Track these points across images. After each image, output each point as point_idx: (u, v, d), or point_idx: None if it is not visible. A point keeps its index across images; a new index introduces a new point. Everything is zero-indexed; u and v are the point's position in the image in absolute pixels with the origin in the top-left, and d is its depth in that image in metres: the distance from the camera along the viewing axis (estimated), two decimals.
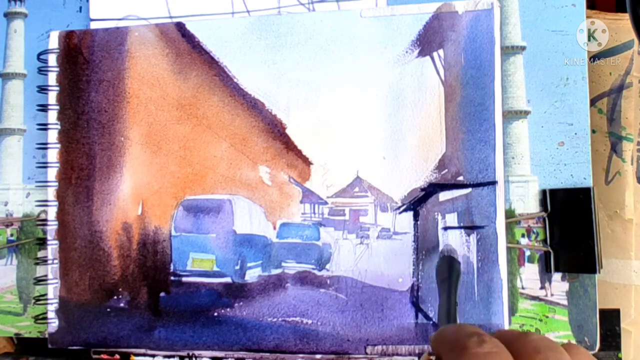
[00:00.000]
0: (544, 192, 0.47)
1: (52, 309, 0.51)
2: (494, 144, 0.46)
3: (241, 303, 0.49)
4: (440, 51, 0.48)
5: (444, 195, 0.47)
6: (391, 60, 0.48)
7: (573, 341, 0.46)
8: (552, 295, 0.47)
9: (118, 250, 0.51)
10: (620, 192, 0.49)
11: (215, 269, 0.50)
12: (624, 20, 0.49)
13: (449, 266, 0.28)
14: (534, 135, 0.48)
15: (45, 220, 0.52)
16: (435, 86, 0.48)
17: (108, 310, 0.50)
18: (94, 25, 0.53)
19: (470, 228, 0.46)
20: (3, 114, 0.55)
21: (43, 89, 0.52)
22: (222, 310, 0.49)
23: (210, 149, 0.50)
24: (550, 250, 0.47)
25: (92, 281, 0.51)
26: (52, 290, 0.51)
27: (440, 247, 0.26)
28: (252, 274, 0.49)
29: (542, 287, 0.47)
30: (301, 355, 0.48)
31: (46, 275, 0.51)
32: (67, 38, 0.52)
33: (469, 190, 0.46)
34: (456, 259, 0.29)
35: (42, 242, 0.52)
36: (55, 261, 0.51)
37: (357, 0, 0.50)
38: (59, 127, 0.52)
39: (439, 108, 0.47)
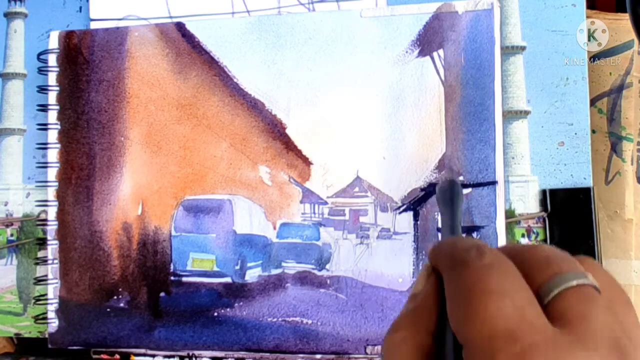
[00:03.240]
0: (544, 192, 0.47)
1: (52, 309, 0.51)
2: (494, 144, 0.46)
3: (241, 303, 0.49)
4: (440, 51, 0.48)
5: None
6: (391, 60, 0.48)
7: None
8: None
9: (118, 250, 0.51)
10: (620, 192, 0.49)
11: (215, 269, 0.50)
12: (624, 20, 0.49)
13: (451, 191, 0.26)
14: (534, 135, 0.48)
15: (45, 220, 0.52)
16: (435, 86, 0.48)
17: (108, 310, 0.50)
18: (94, 25, 0.53)
19: (470, 228, 0.46)
20: (3, 114, 0.55)
21: (43, 89, 0.52)
22: (222, 310, 0.49)
23: (210, 149, 0.50)
24: None
25: (92, 281, 0.51)
26: (52, 290, 0.51)
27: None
28: (252, 274, 0.49)
29: None
30: (301, 355, 0.48)
31: (46, 275, 0.51)
32: (67, 38, 0.52)
33: (469, 190, 0.46)
34: (457, 182, 0.27)
35: (42, 242, 0.52)
36: (55, 261, 0.51)
37: (357, 0, 0.50)
38: (59, 127, 0.52)
39: (439, 108, 0.47)
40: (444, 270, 0.22)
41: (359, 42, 0.49)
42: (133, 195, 0.51)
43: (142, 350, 0.50)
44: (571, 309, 0.19)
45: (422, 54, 0.48)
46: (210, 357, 0.49)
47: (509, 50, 0.48)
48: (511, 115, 0.48)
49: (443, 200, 0.27)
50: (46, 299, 0.51)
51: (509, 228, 0.47)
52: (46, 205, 0.52)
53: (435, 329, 0.22)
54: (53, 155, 0.52)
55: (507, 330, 0.18)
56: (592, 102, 0.49)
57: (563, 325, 0.18)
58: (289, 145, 0.50)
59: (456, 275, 0.20)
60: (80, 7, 0.54)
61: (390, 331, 0.23)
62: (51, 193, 0.52)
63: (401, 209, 0.48)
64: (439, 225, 0.47)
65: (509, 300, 0.18)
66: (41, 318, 0.52)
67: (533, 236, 0.47)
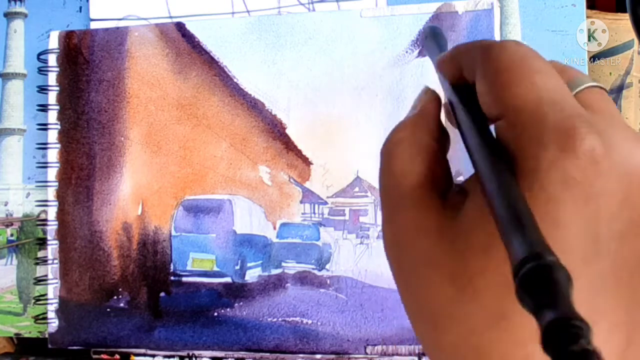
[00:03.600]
0: None
1: (52, 309, 0.51)
2: None
3: (241, 303, 0.49)
4: None
5: None
6: (391, 60, 0.48)
7: None
8: None
9: (118, 250, 0.51)
10: None
11: (215, 269, 0.50)
12: (624, 20, 0.49)
13: (440, 34, 0.28)
14: None
15: (45, 220, 0.52)
16: (436, 86, 0.48)
17: (108, 310, 0.50)
18: (94, 25, 0.53)
19: None
20: (3, 114, 0.55)
21: (43, 89, 0.52)
22: (222, 310, 0.49)
23: (210, 149, 0.50)
24: None
25: (92, 281, 0.51)
26: (52, 290, 0.51)
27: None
28: (252, 274, 0.49)
29: None
30: (301, 355, 0.48)
31: (46, 275, 0.51)
32: (67, 38, 0.52)
33: None
34: (442, 31, 0.28)
35: (42, 242, 0.52)
36: (55, 261, 0.51)
37: (357, 0, 0.50)
38: (59, 127, 0.52)
39: None
40: (476, 55, 0.22)
41: (359, 42, 0.49)
42: (133, 195, 0.51)
43: (142, 350, 0.50)
44: (595, 103, 0.20)
45: (422, 54, 0.48)
46: (210, 357, 0.49)
47: None
48: None
49: (435, 45, 0.28)
50: (46, 299, 0.51)
51: None
52: (46, 205, 0.52)
53: (438, 133, 0.24)
54: (53, 155, 0.52)
55: (553, 100, 0.19)
56: None
57: (592, 114, 0.20)
58: (289, 145, 0.50)
59: (495, 54, 0.21)
60: (80, 7, 0.54)
61: (388, 138, 0.24)
62: (51, 193, 0.52)
63: None
64: None
65: (552, 78, 0.20)
66: (41, 318, 0.52)
67: None
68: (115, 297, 0.50)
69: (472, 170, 0.23)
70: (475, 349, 0.20)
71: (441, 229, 0.21)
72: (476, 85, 0.22)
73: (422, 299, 0.22)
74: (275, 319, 0.48)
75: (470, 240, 0.20)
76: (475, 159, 0.21)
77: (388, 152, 0.24)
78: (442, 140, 0.24)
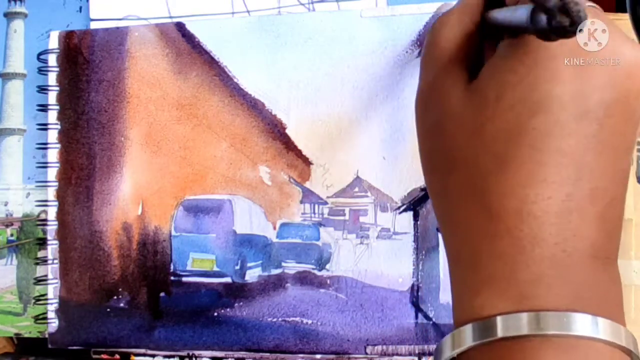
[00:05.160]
0: None
1: (52, 309, 0.51)
2: None
3: (241, 303, 0.49)
4: None
5: None
6: (391, 60, 0.48)
7: None
8: None
9: (118, 250, 0.51)
10: None
11: (215, 269, 0.50)
12: (624, 20, 0.49)
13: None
14: None
15: (45, 220, 0.52)
16: None
17: (108, 310, 0.50)
18: (94, 25, 0.53)
19: None
20: (3, 114, 0.55)
21: (43, 89, 0.52)
22: (222, 310, 0.49)
23: (210, 149, 0.50)
24: None
25: (92, 281, 0.51)
26: (52, 290, 0.51)
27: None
28: (252, 274, 0.49)
29: None
30: (301, 355, 0.48)
31: (46, 275, 0.51)
32: (67, 38, 0.52)
33: None
34: None
35: (42, 242, 0.52)
36: (55, 261, 0.51)
37: (357, 0, 0.50)
38: (59, 127, 0.52)
39: None
40: None
41: (359, 42, 0.49)
42: (133, 195, 0.51)
43: (142, 350, 0.50)
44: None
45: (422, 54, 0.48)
46: (210, 357, 0.50)
47: None
48: None
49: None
50: (46, 299, 0.51)
51: None
52: (46, 205, 0.52)
53: (478, 21, 0.30)
54: (53, 155, 0.52)
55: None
56: None
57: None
58: (289, 145, 0.50)
59: None
60: (80, 7, 0.54)
61: (439, 17, 0.30)
62: (51, 193, 0.52)
63: (401, 209, 0.48)
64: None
65: None
66: (41, 318, 0.52)
67: None
68: (115, 297, 0.50)
69: None
70: (479, 190, 0.24)
71: (465, 90, 0.26)
72: None
73: (440, 144, 0.27)
74: (275, 319, 0.48)
75: (486, 92, 0.25)
76: (501, 20, 0.27)
77: (437, 28, 0.30)
78: (480, 28, 0.30)
